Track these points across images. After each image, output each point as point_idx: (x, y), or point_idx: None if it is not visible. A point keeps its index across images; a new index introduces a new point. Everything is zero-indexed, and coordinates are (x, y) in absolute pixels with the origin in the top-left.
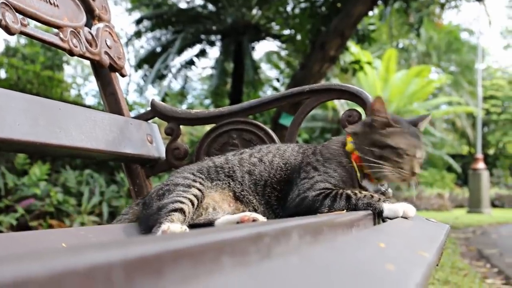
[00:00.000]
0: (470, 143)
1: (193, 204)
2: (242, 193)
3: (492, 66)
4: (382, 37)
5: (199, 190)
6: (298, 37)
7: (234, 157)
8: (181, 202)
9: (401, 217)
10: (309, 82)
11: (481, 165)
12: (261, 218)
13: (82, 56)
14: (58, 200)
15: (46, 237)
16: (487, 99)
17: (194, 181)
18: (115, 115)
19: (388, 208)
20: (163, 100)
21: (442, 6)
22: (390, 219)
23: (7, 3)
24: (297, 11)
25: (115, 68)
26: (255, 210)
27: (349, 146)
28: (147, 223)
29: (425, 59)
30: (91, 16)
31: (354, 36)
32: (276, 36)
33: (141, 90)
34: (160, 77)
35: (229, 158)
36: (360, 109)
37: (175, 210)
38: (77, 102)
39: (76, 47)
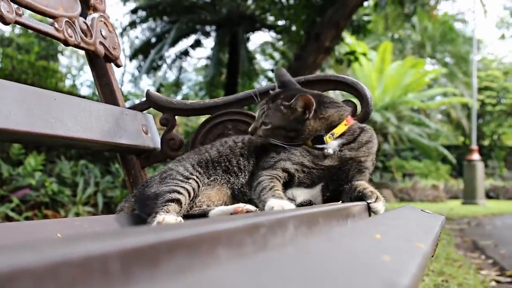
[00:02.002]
0: (465, 134)
1: (189, 195)
2: (241, 189)
3: (488, 57)
4: (378, 29)
5: (197, 183)
6: (293, 27)
7: (224, 148)
8: (179, 192)
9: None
10: (304, 73)
11: (476, 156)
12: (254, 209)
13: (77, 46)
14: (53, 190)
15: (41, 227)
16: (482, 90)
17: (192, 174)
18: (111, 106)
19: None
20: (158, 90)
21: None
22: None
23: None
24: (292, 1)
25: (110, 58)
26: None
27: None
28: (144, 205)
29: (420, 50)
30: (86, 6)
31: (349, 27)
32: (271, 27)
33: (135, 81)
34: (155, 67)
35: (220, 150)
36: (355, 100)
37: (172, 200)
38: (72, 92)
39: (71, 37)
